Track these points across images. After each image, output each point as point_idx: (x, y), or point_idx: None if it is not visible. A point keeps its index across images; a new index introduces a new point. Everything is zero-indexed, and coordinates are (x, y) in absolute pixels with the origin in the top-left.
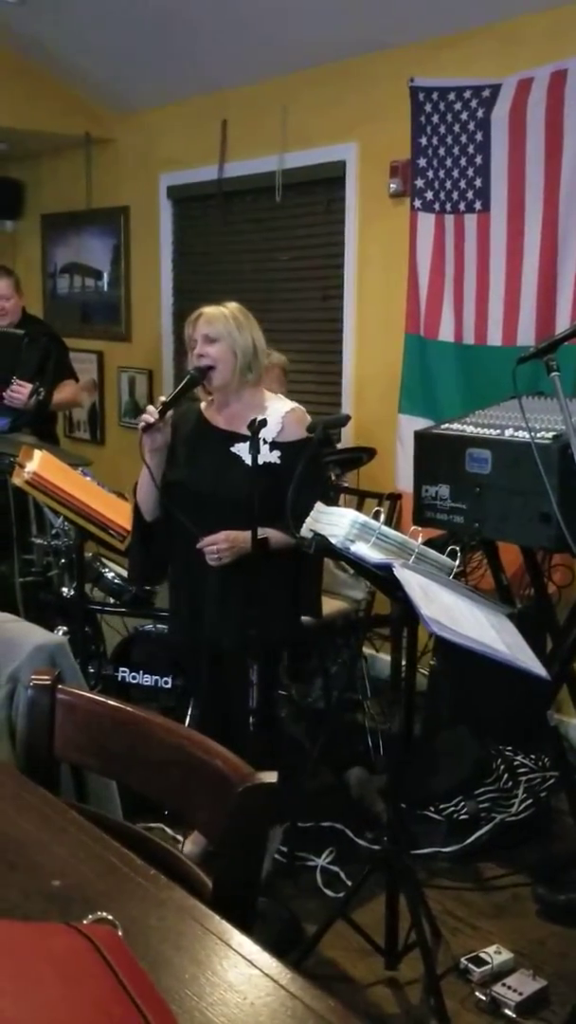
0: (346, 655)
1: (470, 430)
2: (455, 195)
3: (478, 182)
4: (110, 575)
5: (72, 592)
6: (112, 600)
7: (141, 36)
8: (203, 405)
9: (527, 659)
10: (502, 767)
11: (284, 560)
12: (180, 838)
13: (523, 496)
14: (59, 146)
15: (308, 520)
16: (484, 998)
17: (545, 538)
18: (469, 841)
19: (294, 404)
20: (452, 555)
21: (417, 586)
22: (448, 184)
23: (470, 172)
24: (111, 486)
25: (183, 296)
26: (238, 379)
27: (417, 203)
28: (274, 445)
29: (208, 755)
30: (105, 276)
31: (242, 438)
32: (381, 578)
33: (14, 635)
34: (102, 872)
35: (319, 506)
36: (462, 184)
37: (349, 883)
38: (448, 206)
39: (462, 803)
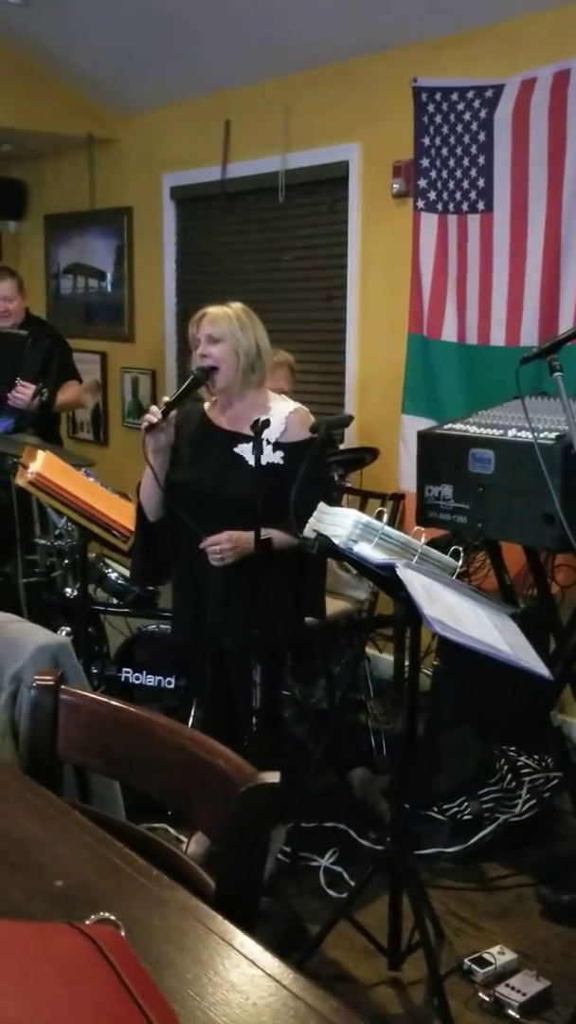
0: (349, 655)
1: (473, 430)
2: (458, 195)
3: (481, 182)
4: (113, 575)
5: (75, 592)
6: (115, 600)
7: (143, 37)
8: (207, 405)
9: (530, 659)
10: (505, 767)
11: (287, 560)
12: (184, 838)
13: (526, 496)
14: (62, 147)
15: (311, 520)
16: (487, 999)
17: (548, 538)
18: (472, 841)
19: (297, 404)
20: (455, 555)
21: (420, 586)
22: (451, 184)
23: (473, 172)
24: (114, 487)
25: (186, 296)
26: (241, 380)
27: (420, 203)
28: (277, 446)
29: (211, 755)
30: (108, 277)
31: (245, 438)
32: (384, 578)
33: (17, 636)
34: (105, 872)
35: (322, 506)
36: (465, 184)
37: (352, 883)
38: (451, 206)
39: (465, 803)
